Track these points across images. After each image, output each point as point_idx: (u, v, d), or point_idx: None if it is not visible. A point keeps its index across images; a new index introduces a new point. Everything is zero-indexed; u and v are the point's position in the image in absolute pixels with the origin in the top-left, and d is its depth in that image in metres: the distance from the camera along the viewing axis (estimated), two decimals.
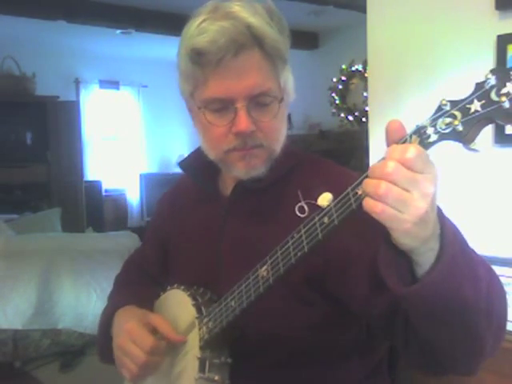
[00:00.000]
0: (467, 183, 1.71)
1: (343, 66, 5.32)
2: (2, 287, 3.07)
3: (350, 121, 5.31)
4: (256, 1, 0.92)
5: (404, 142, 0.63)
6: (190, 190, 1.13)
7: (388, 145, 0.64)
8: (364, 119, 5.05)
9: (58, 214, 4.90)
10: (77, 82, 6.40)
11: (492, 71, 0.59)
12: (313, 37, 5.88)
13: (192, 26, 0.90)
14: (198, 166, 1.05)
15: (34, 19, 4.57)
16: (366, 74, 4.98)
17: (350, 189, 0.67)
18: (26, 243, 3.46)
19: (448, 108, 0.61)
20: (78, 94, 6.37)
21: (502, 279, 1.65)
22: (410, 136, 0.63)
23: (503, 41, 1.59)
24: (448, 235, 0.66)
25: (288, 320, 0.92)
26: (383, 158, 0.63)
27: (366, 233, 0.79)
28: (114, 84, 6.62)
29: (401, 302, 0.73)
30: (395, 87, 1.85)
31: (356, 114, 5.25)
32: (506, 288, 1.63)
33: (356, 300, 0.87)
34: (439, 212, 0.67)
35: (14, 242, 3.50)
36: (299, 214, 0.90)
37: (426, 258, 0.66)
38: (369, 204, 0.62)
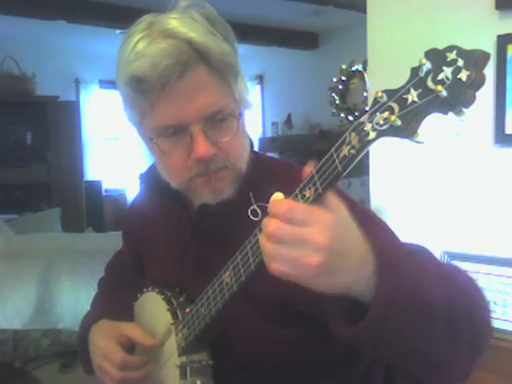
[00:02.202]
0: (467, 183, 1.71)
1: (343, 66, 5.32)
2: (2, 287, 3.07)
3: (349, 121, 5.31)
4: (194, 7, 0.84)
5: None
6: (157, 200, 1.06)
7: None
8: None
9: (58, 214, 4.90)
10: (77, 82, 6.40)
11: (426, 54, 0.54)
12: (313, 37, 5.88)
13: (127, 49, 0.82)
14: (161, 179, 0.94)
15: (34, 19, 4.57)
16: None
17: (297, 190, 0.63)
18: (26, 243, 3.46)
19: (384, 100, 0.56)
20: (78, 94, 6.38)
21: (502, 279, 1.66)
22: (349, 133, 0.58)
23: (503, 41, 1.59)
24: (385, 280, 0.62)
25: (268, 340, 0.89)
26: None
27: None
28: (113, 84, 6.53)
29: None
30: (395, 87, 1.85)
31: (356, 113, 5.24)
32: (506, 288, 1.63)
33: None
34: (375, 244, 0.63)
35: (14, 242, 3.50)
36: (252, 218, 0.85)
37: (364, 298, 0.63)
38: (265, 261, 0.61)
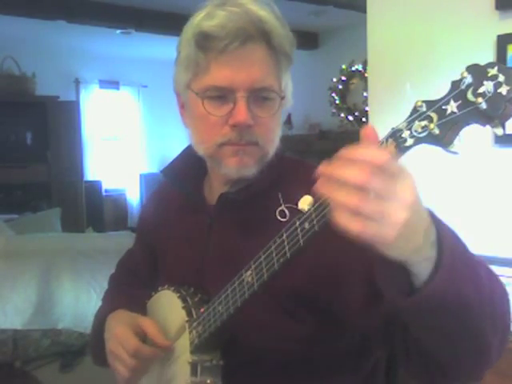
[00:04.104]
0: (467, 183, 1.71)
1: (343, 66, 5.32)
2: (2, 287, 3.07)
3: (349, 121, 5.31)
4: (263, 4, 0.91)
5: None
6: (174, 196, 1.08)
7: None
8: (364, 119, 5.05)
9: (58, 214, 4.89)
10: (77, 82, 6.40)
11: (468, 69, 0.56)
12: (313, 37, 5.88)
13: (199, 15, 0.88)
14: (183, 173, 1.02)
15: (34, 19, 4.56)
16: (365, 74, 4.97)
17: None
18: (26, 243, 3.46)
19: (424, 109, 0.58)
20: (78, 94, 6.38)
21: (502, 279, 1.65)
22: (387, 140, 0.59)
23: (503, 41, 1.59)
24: (446, 241, 0.61)
25: (279, 335, 0.90)
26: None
27: (353, 244, 0.69)
28: (113, 84, 6.62)
29: (400, 313, 0.68)
30: (395, 87, 1.85)
31: (356, 113, 5.25)
32: (506, 288, 1.63)
33: (350, 315, 0.84)
34: (434, 218, 0.62)
35: (14, 241, 3.49)
36: (280, 219, 0.87)
37: (421, 268, 0.62)
38: (343, 220, 0.55)
